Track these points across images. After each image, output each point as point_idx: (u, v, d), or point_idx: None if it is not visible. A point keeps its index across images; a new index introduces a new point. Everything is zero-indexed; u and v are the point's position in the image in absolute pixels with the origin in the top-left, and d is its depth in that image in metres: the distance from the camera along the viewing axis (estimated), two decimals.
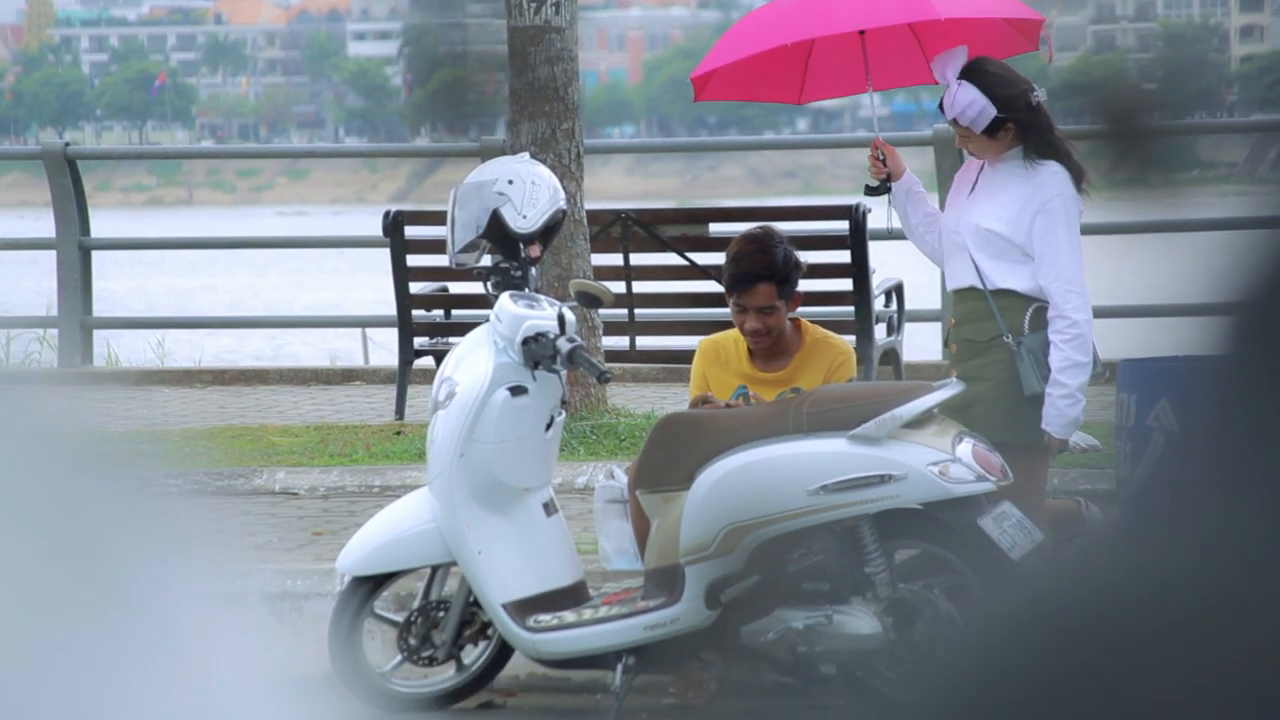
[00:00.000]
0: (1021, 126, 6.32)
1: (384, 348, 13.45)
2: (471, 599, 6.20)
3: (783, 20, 7.00)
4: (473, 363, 6.13)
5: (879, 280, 10.15)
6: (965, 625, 1.26)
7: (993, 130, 6.32)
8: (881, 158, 6.63)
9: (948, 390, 5.93)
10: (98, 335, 12.94)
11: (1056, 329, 6.26)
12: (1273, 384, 1.11)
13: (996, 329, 6.32)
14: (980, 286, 6.35)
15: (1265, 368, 1.11)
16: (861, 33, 6.87)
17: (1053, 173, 6.33)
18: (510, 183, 6.26)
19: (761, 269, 6.48)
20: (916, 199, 6.64)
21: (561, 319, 6.04)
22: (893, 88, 7.27)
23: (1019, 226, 6.30)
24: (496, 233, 6.23)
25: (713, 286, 9.98)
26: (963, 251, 6.42)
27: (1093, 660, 1.10)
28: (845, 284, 9.92)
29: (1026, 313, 6.31)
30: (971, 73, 6.37)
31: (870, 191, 6.76)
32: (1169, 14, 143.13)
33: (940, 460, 5.79)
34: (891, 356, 10.18)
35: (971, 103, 6.31)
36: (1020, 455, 6.10)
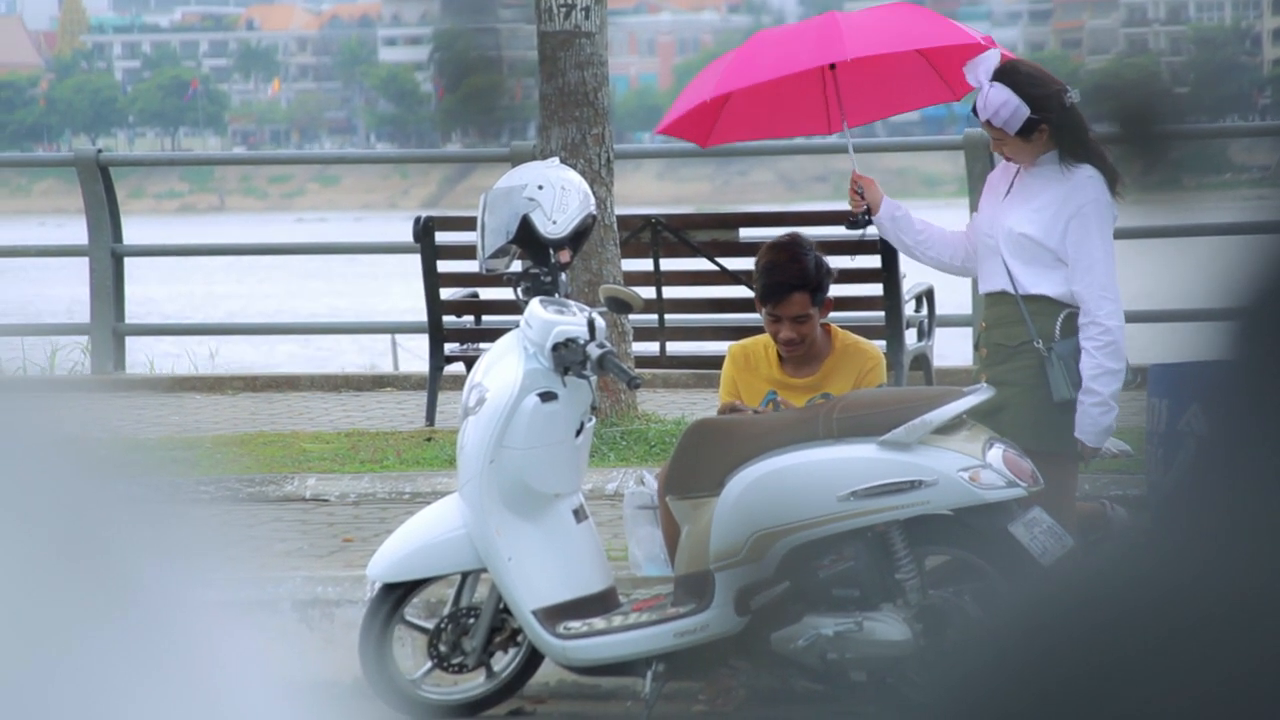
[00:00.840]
0: (1056, 128, 6.30)
1: (414, 354, 13.46)
2: (502, 606, 6.20)
3: (729, 69, 7.14)
4: (503, 368, 6.13)
5: (909, 285, 10.13)
6: (984, 626, 1.26)
7: (1027, 132, 6.31)
8: (859, 191, 6.62)
9: (978, 395, 5.92)
10: (133, 342, 12.98)
11: (1089, 335, 6.24)
12: (1267, 388, 1.11)
13: (1027, 334, 6.30)
14: (1012, 291, 6.34)
15: (1271, 371, 1.11)
16: (832, 67, 6.96)
17: (1088, 177, 6.31)
18: (540, 188, 6.26)
19: (794, 278, 6.47)
20: (903, 223, 6.62)
21: (591, 324, 6.03)
22: (868, 121, 7.44)
23: (1053, 231, 6.29)
24: (527, 238, 6.22)
25: (743, 292, 9.97)
26: (995, 255, 6.40)
27: (1109, 662, 1.10)
28: (876, 289, 9.90)
29: (1058, 318, 6.29)
30: (1004, 74, 6.36)
31: (852, 226, 6.72)
32: (1201, 17, 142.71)
33: (971, 466, 5.78)
34: (922, 361, 10.16)
35: (1005, 103, 6.29)
36: (1049, 461, 6.08)
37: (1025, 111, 6.28)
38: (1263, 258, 1.14)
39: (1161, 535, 1.15)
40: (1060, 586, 1.18)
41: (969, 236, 6.59)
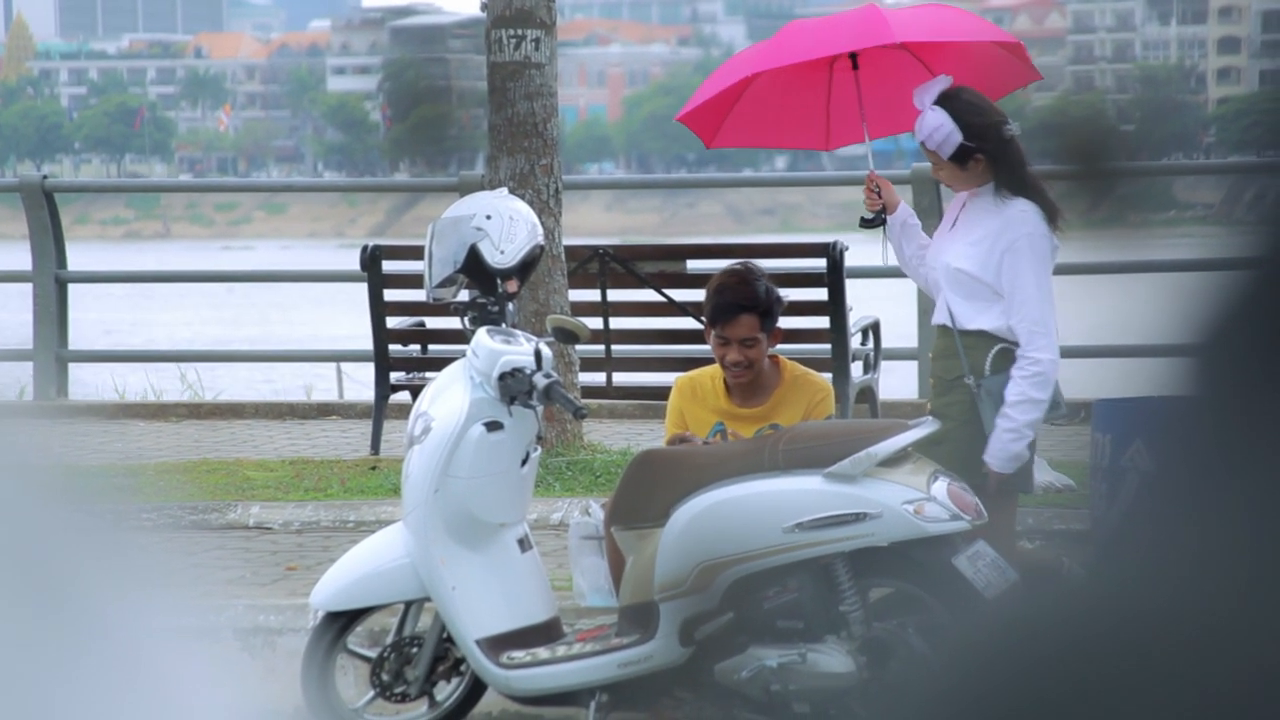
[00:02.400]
0: (992, 158, 6.32)
1: (359, 382, 13.43)
2: (445, 635, 6.18)
3: (757, 55, 7.06)
4: (449, 398, 6.12)
5: (856, 318, 10.17)
6: (930, 658, 1.27)
7: (962, 159, 6.33)
8: (877, 190, 6.63)
9: (923, 429, 5.93)
10: (76, 368, 12.91)
11: (1020, 366, 6.26)
12: (1232, 422, 1.11)
13: (960, 368, 6.32)
14: (950, 325, 6.36)
15: (1222, 407, 1.12)
16: (855, 66, 6.90)
17: (1021, 211, 6.33)
18: (488, 218, 6.26)
19: (744, 300, 6.48)
20: (911, 231, 6.64)
21: (538, 354, 6.03)
22: (890, 133, 7.33)
23: (988, 265, 6.30)
24: (474, 268, 6.22)
25: (690, 323, 9.99)
26: (939, 288, 6.43)
27: (1056, 693, 1.10)
28: (822, 321, 9.93)
29: (990, 353, 6.30)
30: (946, 99, 6.38)
31: (865, 224, 6.74)
32: (1147, 56, 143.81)
33: (915, 499, 5.79)
34: (868, 394, 10.19)
35: (939, 127, 6.31)
36: (985, 493, 6.09)
37: (958, 138, 6.29)
38: (1216, 294, 1.14)
39: (1107, 567, 1.16)
40: (1006, 617, 1.19)
41: None
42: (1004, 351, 6.28)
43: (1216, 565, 1.09)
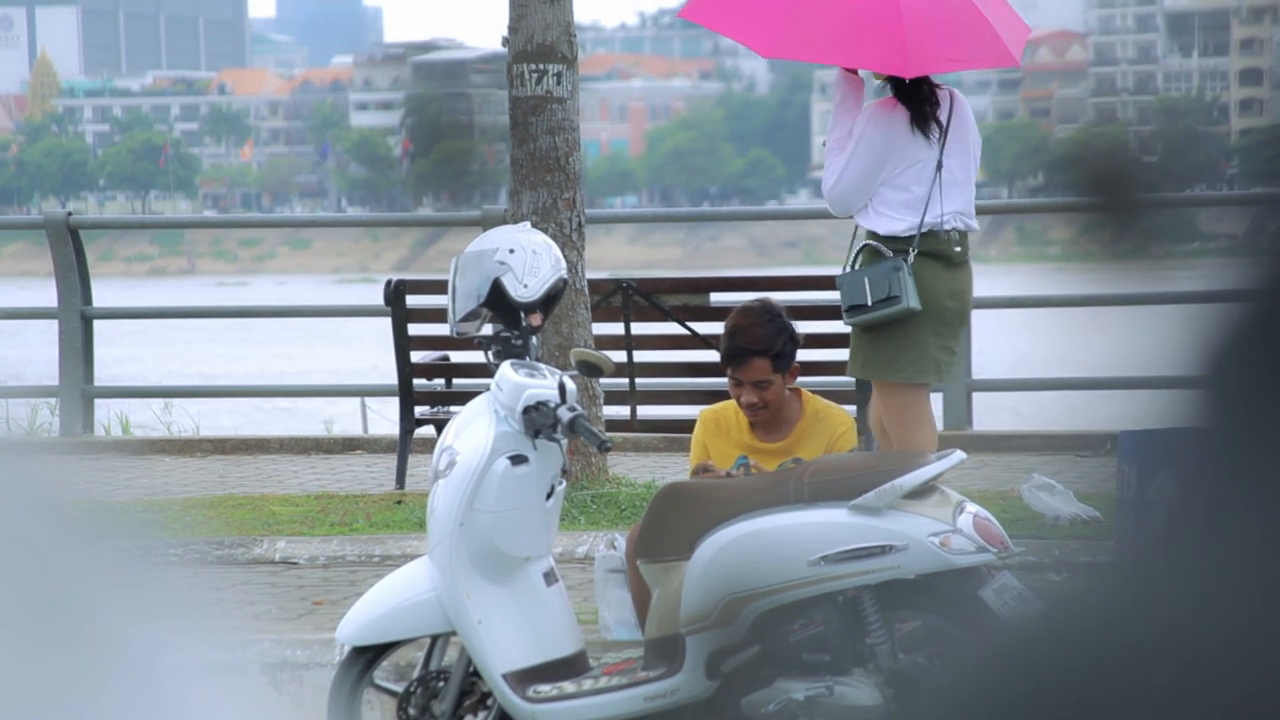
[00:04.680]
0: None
1: (384, 417, 13.44)
2: (471, 669, 6.17)
3: None
4: (473, 431, 6.12)
5: None
6: (953, 678, 1.26)
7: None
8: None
9: (948, 461, 5.92)
10: (102, 404, 12.94)
11: None
12: (1240, 453, 1.11)
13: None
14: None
15: (1230, 437, 1.12)
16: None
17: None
18: (511, 252, 6.27)
19: (755, 343, 6.49)
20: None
21: (562, 388, 6.03)
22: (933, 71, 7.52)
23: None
24: (497, 302, 6.23)
25: (714, 356, 9.97)
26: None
27: (1081, 710, 1.10)
28: (845, 354, 9.91)
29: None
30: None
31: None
32: (1169, 87, 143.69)
33: (941, 531, 5.78)
34: None
35: None
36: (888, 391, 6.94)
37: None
38: (1224, 325, 1.15)
39: (1130, 591, 1.16)
40: (1029, 637, 1.19)
41: None
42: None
43: (1230, 591, 1.10)
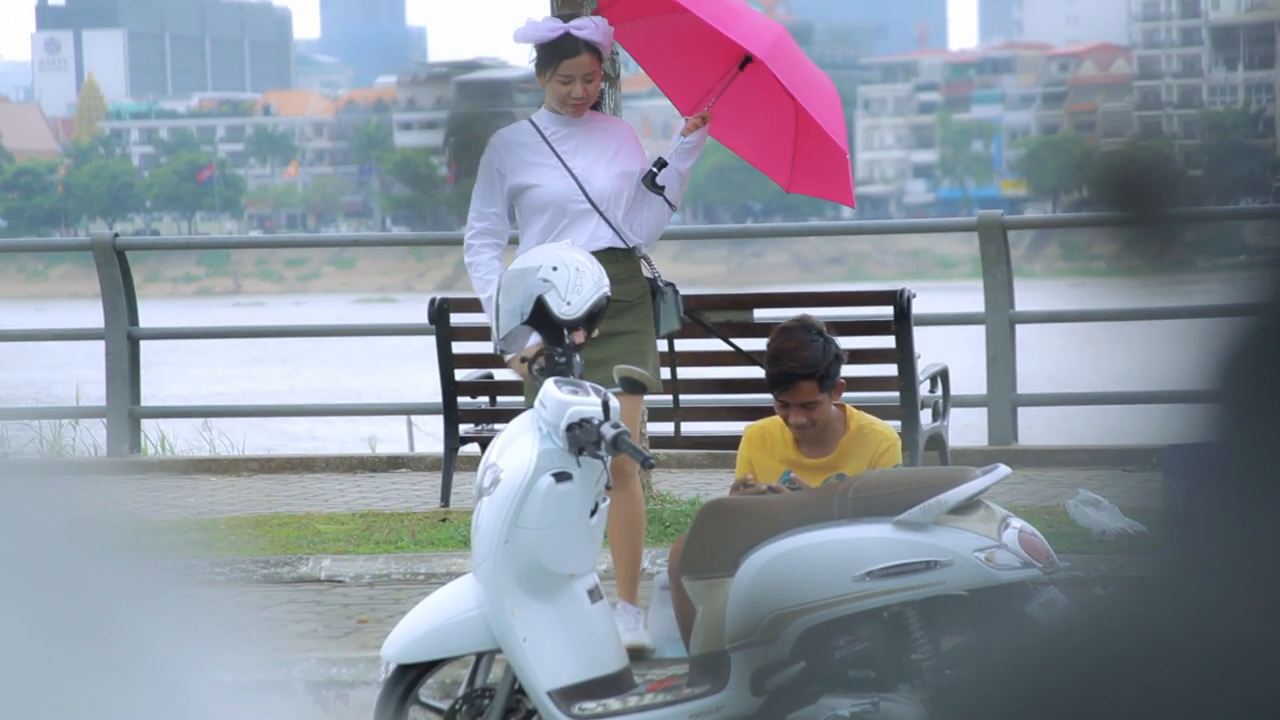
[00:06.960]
0: None
1: (429, 435, 13.46)
2: (516, 686, 6.18)
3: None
4: (517, 449, 6.13)
5: (924, 365, 10.14)
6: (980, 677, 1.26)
7: None
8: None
9: (993, 476, 5.91)
10: (148, 424, 13.00)
11: None
12: (1245, 466, 1.12)
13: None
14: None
15: (1237, 450, 1.12)
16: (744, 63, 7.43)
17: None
18: (555, 269, 6.28)
19: (800, 366, 6.49)
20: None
21: (606, 405, 6.04)
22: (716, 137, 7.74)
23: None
24: (541, 319, 6.24)
25: (758, 372, 9.97)
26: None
27: (1110, 706, 1.10)
28: (891, 369, 9.91)
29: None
30: None
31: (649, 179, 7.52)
32: (1214, 101, 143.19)
33: (986, 546, 5.76)
34: (937, 442, 10.15)
35: None
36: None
37: None
38: (1231, 339, 1.15)
39: (1152, 599, 1.16)
40: (1051, 636, 1.19)
41: None
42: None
43: (1239, 600, 1.10)
